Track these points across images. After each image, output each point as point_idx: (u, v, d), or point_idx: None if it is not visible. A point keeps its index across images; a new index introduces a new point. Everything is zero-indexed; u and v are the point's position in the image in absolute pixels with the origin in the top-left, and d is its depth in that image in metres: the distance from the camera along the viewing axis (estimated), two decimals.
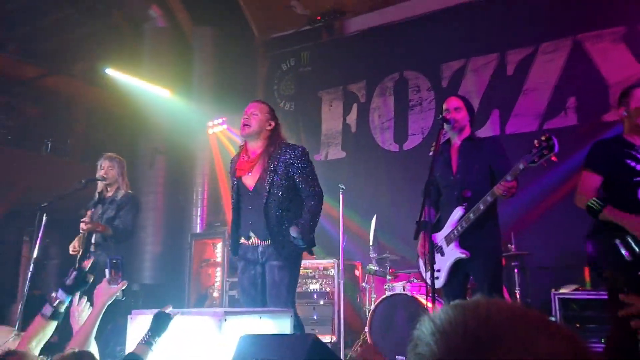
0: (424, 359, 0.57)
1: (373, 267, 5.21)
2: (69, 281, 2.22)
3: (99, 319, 2.25)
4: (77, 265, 4.31)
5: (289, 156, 3.27)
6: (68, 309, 2.27)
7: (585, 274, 4.97)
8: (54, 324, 2.17)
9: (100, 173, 4.44)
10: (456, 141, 3.30)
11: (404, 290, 4.75)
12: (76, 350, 1.87)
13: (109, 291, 2.30)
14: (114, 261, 2.38)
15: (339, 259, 5.02)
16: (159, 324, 2.19)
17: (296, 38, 7.70)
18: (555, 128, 5.56)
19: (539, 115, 5.68)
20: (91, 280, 2.28)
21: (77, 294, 2.44)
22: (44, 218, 4.10)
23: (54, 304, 2.16)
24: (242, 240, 3.39)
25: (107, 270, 4.22)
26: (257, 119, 3.31)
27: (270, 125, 3.35)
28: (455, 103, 3.29)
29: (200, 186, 7.99)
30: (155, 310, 2.32)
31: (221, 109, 7.88)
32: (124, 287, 2.35)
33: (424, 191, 2.90)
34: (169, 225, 8.09)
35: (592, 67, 5.47)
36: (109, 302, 2.30)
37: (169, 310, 2.25)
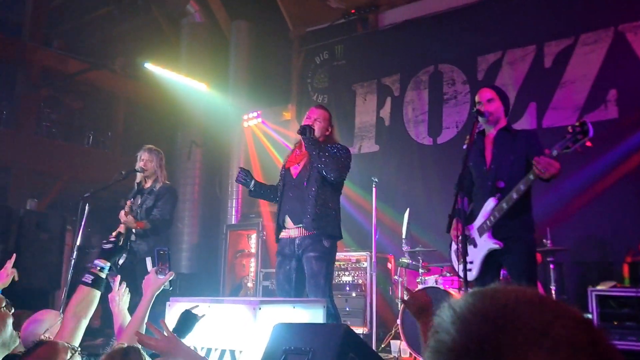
0: (445, 346, 0.60)
1: (405, 260, 5.22)
2: (106, 246, 2.24)
3: (149, 309, 2.33)
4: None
5: (331, 150, 3.52)
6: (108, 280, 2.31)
7: (624, 271, 4.87)
8: (97, 293, 2.18)
9: (139, 165, 4.57)
10: (491, 132, 3.22)
11: (436, 283, 4.75)
12: (125, 345, 1.91)
13: (157, 282, 2.37)
14: (161, 252, 2.44)
15: (371, 252, 5.05)
16: (185, 325, 2.17)
17: (331, 32, 7.72)
18: (594, 122, 5.38)
19: (578, 108, 5.55)
20: (126, 250, 2.30)
21: (117, 280, 2.55)
22: (87, 207, 4.26)
23: (94, 272, 2.18)
24: (282, 234, 3.59)
25: (147, 260, 4.34)
26: (319, 127, 3.60)
27: (328, 131, 3.66)
28: (488, 94, 3.20)
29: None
30: (186, 305, 2.36)
31: (256, 103, 7.99)
32: (171, 278, 2.43)
33: (457, 185, 2.88)
34: (204, 217, 8.27)
35: (634, 58, 5.31)
36: (157, 292, 2.38)
37: (195, 310, 2.25)
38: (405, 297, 2.01)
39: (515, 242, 3.02)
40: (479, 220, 3.13)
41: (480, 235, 3.11)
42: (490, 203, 3.07)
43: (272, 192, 3.81)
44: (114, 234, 2.29)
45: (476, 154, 3.23)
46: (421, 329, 2.03)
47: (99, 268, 2.21)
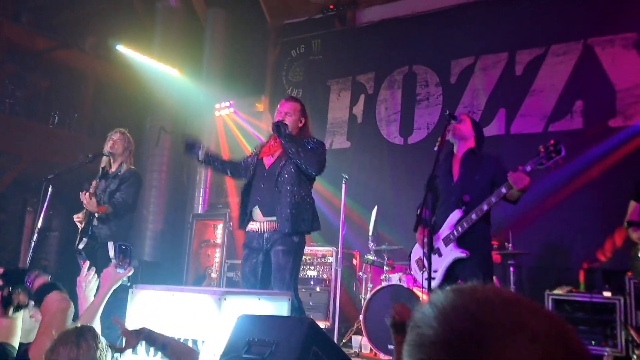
0: (428, 339, 0.63)
1: (371, 257, 5.27)
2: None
3: (105, 301, 2.30)
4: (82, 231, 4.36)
5: (308, 145, 3.50)
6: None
7: (580, 277, 5.03)
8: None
9: (108, 144, 4.50)
10: (458, 151, 3.40)
11: (400, 281, 4.81)
12: (78, 325, 1.90)
13: (116, 276, 2.36)
14: (123, 247, 2.42)
15: (337, 247, 5.08)
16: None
17: (308, 26, 7.70)
18: (560, 131, 5.58)
19: (545, 117, 5.69)
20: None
21: (86, 265, 2.51)
22: (50, 189, 4.16)
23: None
24: (249, 226, 3.55)
25: (110, 245, 4.27)
26: (290, 120, 3.55)
27: (301, 122, 3.62)
28: (462, 116, 3.41)
29: (204, 167, 8.03)
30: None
31: (229, 92, 7.91)
32: (130, 273, 2.41)
33: (427, 185, 2.95)
34: (170, 205, 8.16)
35: (601, 71, 5.48)
36: (115, 286, 2.36)
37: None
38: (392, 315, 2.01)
39: (474, 253, 3.18)
40: (444, 231, 3.26)
41: (446, 245, 3.24)
42: (455, 215, 3.22)
43: (228, 166, 3.74)
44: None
45: (444, 171, 3.38)
46: (396, 341, 2.06)
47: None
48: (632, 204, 3.51)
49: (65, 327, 1.89)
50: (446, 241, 3.23)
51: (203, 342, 2.46)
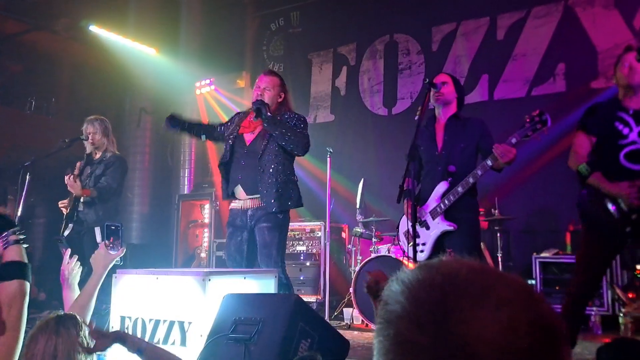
0: (395, 314, 0.62)
1: (359, 229, 5.27)
2: None
3: (100, 284, 2.27)
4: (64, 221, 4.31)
5: (288, 121, 3.43)
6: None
7: (567, 239, 5.07)
8: None
9: (88, 138, 4.44)
10: (442, 117, 3.33)
11: (389, 252, 4.82)
12: (61, 313, 1.85)
13: (108, 257, 2.32)
14: (112, 228, 2.38)
15: (325, 222, 5.08)
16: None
17: None
18: (543, 94, 5.55)
19: (528, 81, 5.66)
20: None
21: (67, 253, 2.45)
22: (28, 177, 4.08)
23: None
24: (232, 205, 3.52)
25: (96, 230, 4.22)
26: (269, 95, 3.47)
27: (280, 97, 3.53)
28: (442, 78, 3.32)
29: (188, 147, 7.95)
30: None
31: (209, 69, 7.77)
32: (122, 254, 2.37)
33: (409, 155, 2.91)
34: (156, 186, 8.08)
35: (582, 33, 5.43)
36: (109, 268, 2.32)
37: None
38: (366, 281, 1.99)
39: (462, 223, 3.16)
40: (431, 204, 3.23)
41: (434, 218, 3.21)
42: (441, 187, 3.18)
43: (202, 130, 3.66)
44: None
45: (427, 139, 3.32)
46: (375, 307, 2.04)
47: None
48: (581, 136, 2.88)
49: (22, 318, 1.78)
50: (433, 214, 3.20)
51: (190, 323, 2.44)
